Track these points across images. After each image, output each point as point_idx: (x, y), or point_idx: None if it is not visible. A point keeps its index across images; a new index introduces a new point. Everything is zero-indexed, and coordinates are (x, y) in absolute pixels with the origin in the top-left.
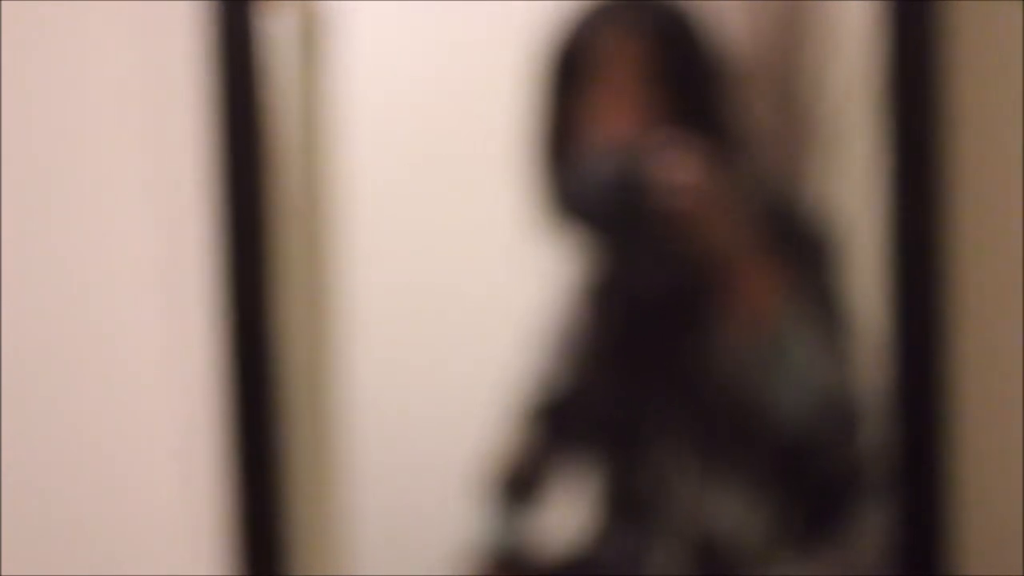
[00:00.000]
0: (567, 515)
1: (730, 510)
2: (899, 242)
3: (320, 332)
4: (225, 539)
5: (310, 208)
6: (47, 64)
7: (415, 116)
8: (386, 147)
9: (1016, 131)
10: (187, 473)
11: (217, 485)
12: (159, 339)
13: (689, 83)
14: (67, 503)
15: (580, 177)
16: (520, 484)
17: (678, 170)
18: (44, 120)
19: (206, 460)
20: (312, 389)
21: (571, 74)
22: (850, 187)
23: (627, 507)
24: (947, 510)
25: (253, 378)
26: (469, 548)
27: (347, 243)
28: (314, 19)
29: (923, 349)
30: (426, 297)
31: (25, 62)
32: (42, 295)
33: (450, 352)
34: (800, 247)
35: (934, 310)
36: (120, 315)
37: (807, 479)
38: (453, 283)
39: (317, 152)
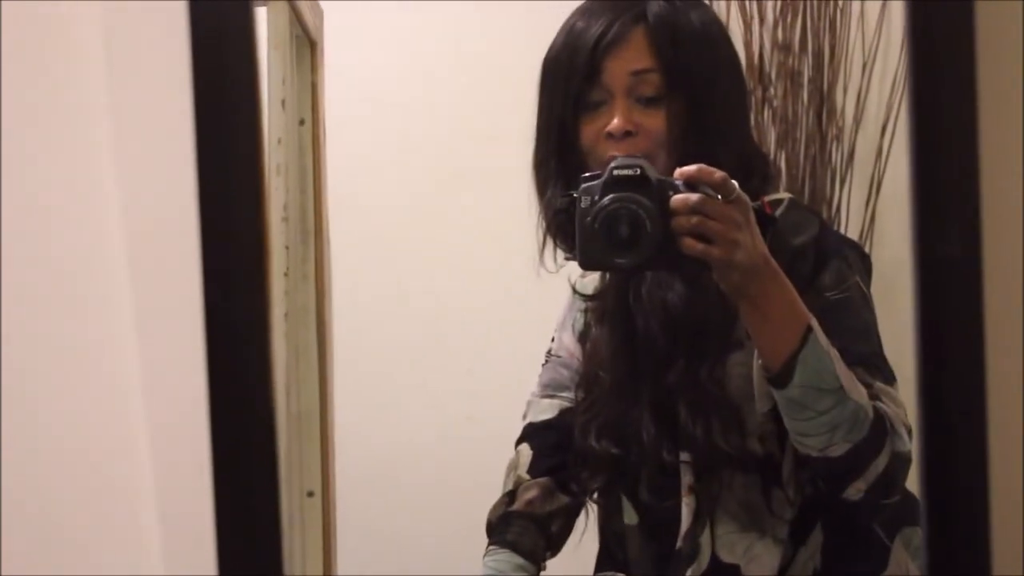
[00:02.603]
0: (577, 545)
1: (744, 540)
2: (931, 255)
3: (313, 367)
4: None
5: (302, 226)
6: (31, 67)
7: (413, 126)
8: (381, 158)
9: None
10: (174, 517)
11: (207, 488)
12: (145, 351)
13: (705, 96)
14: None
15: (584, 208)
16: (526, 517)
17: (688, 198)
18: (27, 125)
19: (196, 465)
20: (303, 423)
21: (573, 86)
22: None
23: (634, 534)
24: (982, 536)
25: (244, 392)
26: None
27: (340, 254)
28: (308, 26)
29: (958, 370)
30: (423, 324)
31: (9, 63)
32: (30, 300)
33: (445, 381)
34: (826, 262)
35: (970, 329)
36: (107, 323)
37: (831, 503)
38: (452, 303)
39: (310, 163)
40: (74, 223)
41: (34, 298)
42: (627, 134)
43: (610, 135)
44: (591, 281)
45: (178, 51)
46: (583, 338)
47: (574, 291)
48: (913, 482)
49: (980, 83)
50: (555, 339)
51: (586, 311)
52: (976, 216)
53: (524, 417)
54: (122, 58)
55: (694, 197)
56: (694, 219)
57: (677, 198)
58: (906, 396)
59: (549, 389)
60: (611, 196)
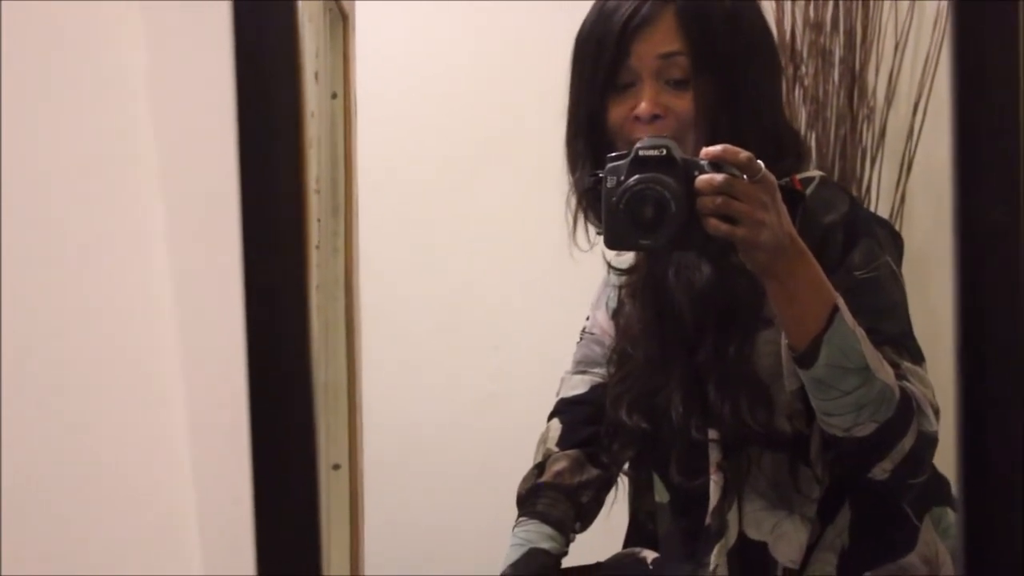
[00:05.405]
0: (604, 524)
1: (772, 517)
2: (970, 239)
3: (341, 340)
4: (242, 540)
5: (333, 211)
6: (68, 57)
7: (443, 101)
8: (411, 132)
9: None
10: (209, 485)
11: (235, 488)
12: (180, 343)
13: (735, 78)
14: (71, 507)
15: (610, 188)
16: (555, 488)
17: (713, 178)
18: (60, 112)
19: (221, 465)
20: (331, 396)
21: (602, 68)
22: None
23: (665, 512)
24: (1020, 519)
25: (276, 383)
26: (500, 559)
27: (370, 228)
28: (341, 12)
29: (998, 341)
30: (450, 300)
31: (42, 56)
32: (53, 296)
33: (471, 357)
34: (856, 240)
35: (1010, 313)
36: (142, 318)
37: (858, 482)
38: (480, 279)
39: (342, 136)
40: (113, 192)
41: (76, 275)
42: (655, 117)
43: (638, 118)
44: (627, 256)
45: (218, 26)
46: (616, 315)
47: (609, 266)
48: (946, 461)
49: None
50: (590, 317)
51: (620, 288)
52: (1019, 181)
53: (557, 393)
54: (161, 39)
55: (719, 177)
56: (719, 199)
57: (702, 178)
58: (935, 375)
59: (582, 365)
60: (636, 176)
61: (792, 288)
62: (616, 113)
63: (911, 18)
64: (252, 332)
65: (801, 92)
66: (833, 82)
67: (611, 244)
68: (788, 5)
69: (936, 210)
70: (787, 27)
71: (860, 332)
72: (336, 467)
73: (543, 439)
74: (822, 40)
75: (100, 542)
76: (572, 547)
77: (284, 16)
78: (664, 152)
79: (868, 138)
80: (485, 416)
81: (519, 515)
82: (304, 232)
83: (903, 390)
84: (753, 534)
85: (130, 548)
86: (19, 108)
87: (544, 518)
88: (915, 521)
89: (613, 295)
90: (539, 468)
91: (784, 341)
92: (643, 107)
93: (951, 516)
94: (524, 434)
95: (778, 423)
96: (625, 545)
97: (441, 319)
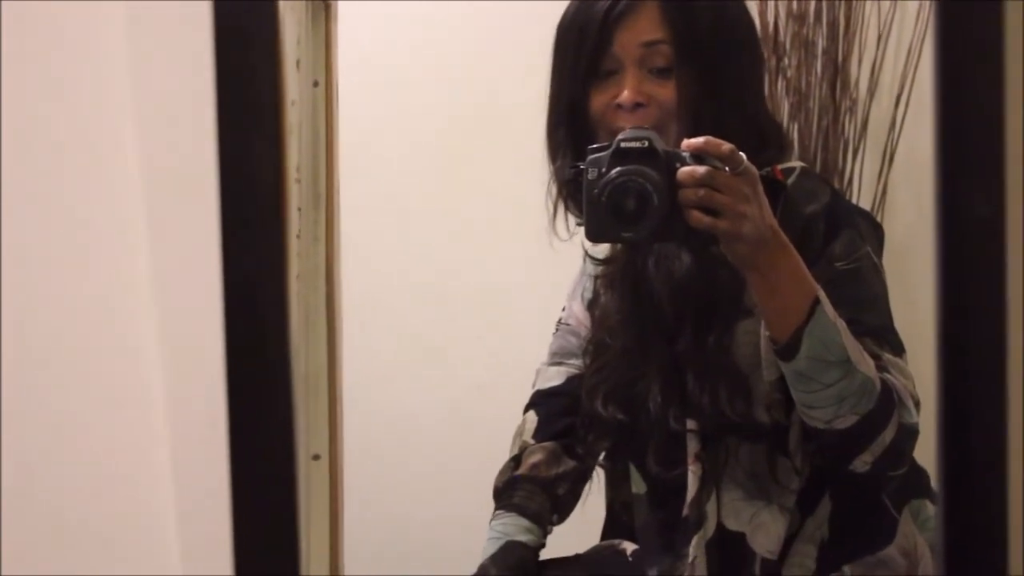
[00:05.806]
0: (580, 516)
1: (750, 508)
2: (953, 234)
3: (322, 330)
4: (228, 541)
5: (313, 199)
6: (47, 47)
7: (426, 89)
8: (394, 134)
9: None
10: (187, 474)
11: (215, 482)
12: (159, 334)
13: (717, 67)
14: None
15: (591, 180)
16: (531, 481)
17: (695, 170)
18: (38, 102)
19: (207, 460)
20: (311, 386)
21: (585, 56)
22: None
23: (642, 503)
24: (999, 512)
25: (255, 373)
26: (479, 552)
27: (351, 218)
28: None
29: (979, 344)
30: (431, 288)
31: (25, 54)
32: (38, 291)
33: (455, 347)
34: (838, 231)
35: (991, 306)
36: (121, 310)
37: (838, 474)
38: (462, 269)
39: (323, 125)
40: (90, 177)
41: (53, 260)
42: (637, 106)
43: (620, 106)
44: (604, 246)
45: (199, 14)
46: (592, 306)
47: (587, 255)
48: (926, 453)
49: (1007, 40)
50: (566, 308)
51: (596, 278)
52: (1002, 176)
53: (533, 385)
54: (142, 27)
55: (701, 169)
56: (701, 192)
57: (684, 171)
58: (915, 367)
59: (557, 357)
60: (618, 169)
61: (774, 280)
62: (598, 101)
63: (894, 9)
64: (231, 321)
65: (783, 83)
66: (816, 73)
67: (593, 237)
68: None
69: (918, 202)
70: (770, 18)
71: (841, 324)
72: (316, 457)
73: (519, 431)
74: (805, 31)
75: (78, 540)
76: (549, 539)
77: (265, 3)
78: (646, 144)
79: (850, 130)
80: (470, 406)
81: (496, 508)
82: (283, 221)
83: (884, 382)
84: (732, 525)
85: (107, 546)
86: None
87: (521, 511)
88: (894, 513)
89: (589, 285)
90: (515, 461)
91: (765, 333)
92: (626, 95)
93: (930, 508)
94: (509, 425)
95: (757, 413)
96: (603, 537)
97: (426, 308)
